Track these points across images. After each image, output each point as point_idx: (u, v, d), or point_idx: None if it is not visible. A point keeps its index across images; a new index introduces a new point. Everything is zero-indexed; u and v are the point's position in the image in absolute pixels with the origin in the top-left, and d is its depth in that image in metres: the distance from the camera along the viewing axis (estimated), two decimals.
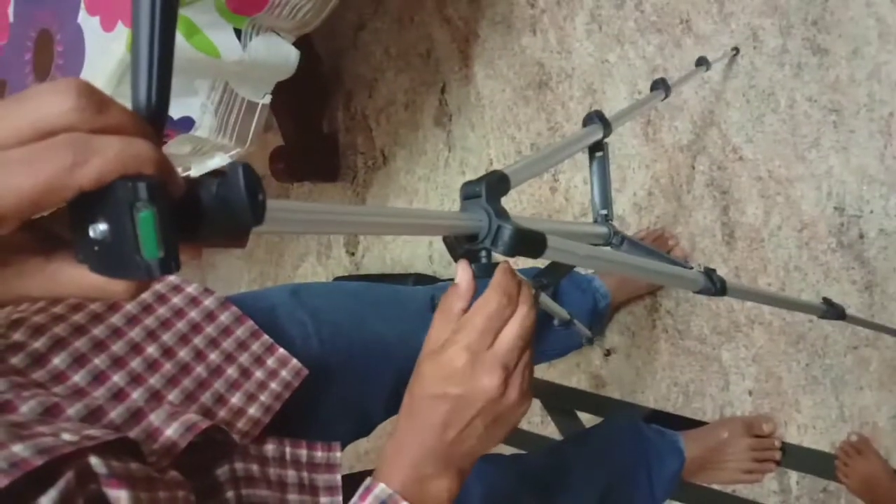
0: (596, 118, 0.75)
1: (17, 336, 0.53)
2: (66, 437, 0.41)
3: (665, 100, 0.95)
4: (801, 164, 1.19)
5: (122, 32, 0.90)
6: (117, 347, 0.56)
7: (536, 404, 1.49)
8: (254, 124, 1.04)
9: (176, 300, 0.63)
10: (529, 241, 0.52)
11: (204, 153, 1.06)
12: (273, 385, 0.63)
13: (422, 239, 1.72)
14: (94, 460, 0.40)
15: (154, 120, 0.30)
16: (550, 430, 1.48)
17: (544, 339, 1.11)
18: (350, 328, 0.76)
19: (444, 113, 1.67)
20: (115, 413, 0.51)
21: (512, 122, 1.55)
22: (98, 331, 0.56)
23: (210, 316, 0.63)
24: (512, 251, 0.50)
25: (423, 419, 0.49)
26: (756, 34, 1.23)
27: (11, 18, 1.06)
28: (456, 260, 0.55)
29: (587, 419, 1.44)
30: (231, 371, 0.61)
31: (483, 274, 0.53)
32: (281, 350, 0.65)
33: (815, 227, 1.18)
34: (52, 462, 0.38)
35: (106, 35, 0.93)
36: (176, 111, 1.00)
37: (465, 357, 0.47)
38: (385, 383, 0.77)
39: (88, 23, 0.96)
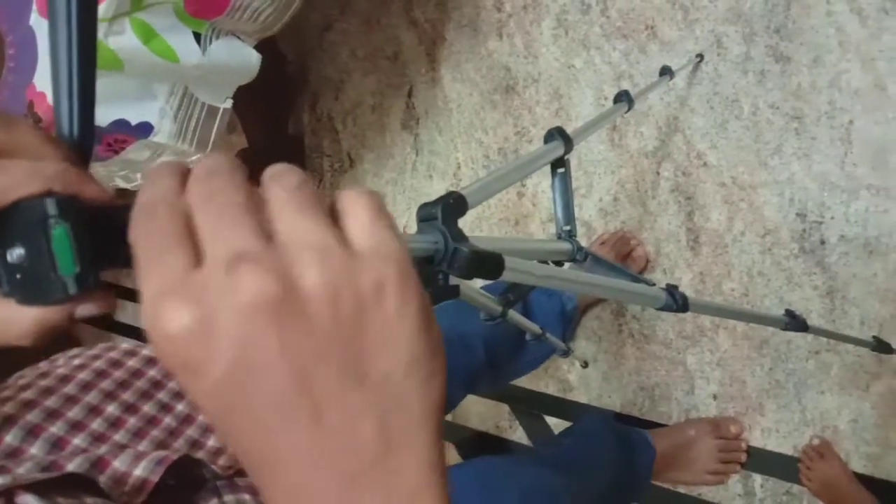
0: (557, 135, 0.74)
1: None
2: None
3: (628, 112, 0.95)
4: (763, 170, 1.21)
5: None
6: (74, 413, 0.54)
7: (504, 409, 1.49)
8: (215, 129, 1.02)
9: (132, 363, 0.61)
10: (486, 264, 0.51)
11: (162, 159, 1.04)
12: None
13: None
14: (26, 498, 0.38)
15: (79, 148, 0.29)
16: (519, 435, 1.48)
17: (518, 356, 1.10)
18: None
19: (411, 116, 1.66)
20: (74, 465, 0.47)
21: (479, 126, 1.54)
22: (51, 402, 0.54)
23: (150, 361, 0.61)
24: (468, 273, 0.50)
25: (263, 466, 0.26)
26: (720, 41, 1.24)
27: None
28: None
29: (554, 424, 1.44)
30: (202, 417, 0.58)
31: (439, 298, 0.53)
32: None
33: (778, 233, 1.20)
34: None
35: None
36: (134, 116, 0.97)
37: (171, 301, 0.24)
38: None
39: (41, 25, 0.93)
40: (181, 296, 0.23)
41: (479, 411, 1.54)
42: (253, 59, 0.99)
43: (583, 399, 1.40)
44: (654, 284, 0.75)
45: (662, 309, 0.74)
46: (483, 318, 0.85)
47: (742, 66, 1.22)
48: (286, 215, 0.25)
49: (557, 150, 0.73)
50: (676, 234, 1.29)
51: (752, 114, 1.22)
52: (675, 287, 0.75)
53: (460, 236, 0.50)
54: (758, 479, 1.22)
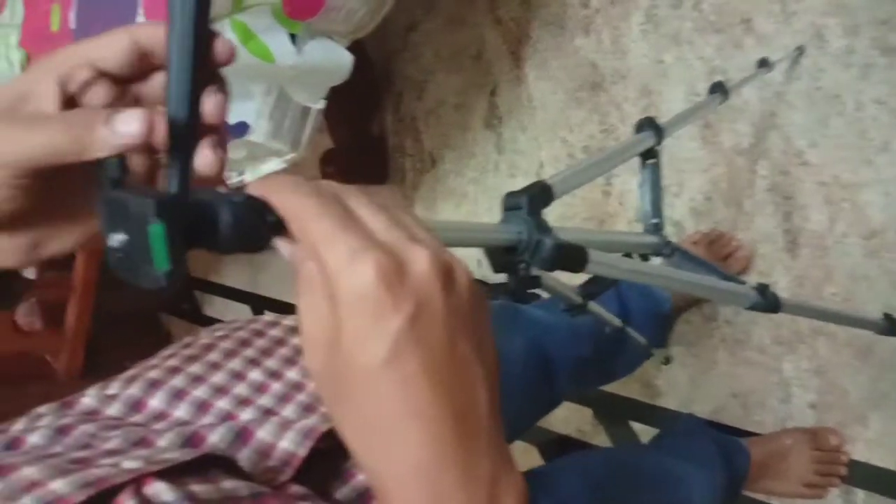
0: (648, 125, 0.72)
1: (112, 390, 0.53)
2: (128, 464, 0.40)
3: (723, 104, 0.91)
4: (868, 168, 1.14)
5: None
6: (218, 378, 0.55)
7: (587, 413, 1.47)
8: (307, 129, 1.04)
9: (274, 332, 0.62)
10: (570, 256, 0.50)
11: (257, 158, 1.07)
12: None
13: None
14: (157, 486, 0.39)
15: (187, 128, 0.32)
16: (601, 440, 1.45)
17: (612, 358, 1.08)
18: None
19: (494, 115, 1.65)
20: (217, 436, 0.48)
21: (564, 125, 1.52)
22: (195, 368, 0.55)
23: (258, 333, 0.61)
24: (551, 265, 0.49)
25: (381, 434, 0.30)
26: (821, 34, 1.19)
27: (73, 25, 1.08)
28: (496, 272, 0.53)
29: (639, 430, 1.41)
30: (276, 386, 0.56)
31: (521, 287, 0.52)
32: None
33: (884, 235, 1.13)
34: (102, 493, 0.36)
35: None
36: (231, 116, 1.00)
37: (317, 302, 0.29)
38: None
39: None
40: (380, 249, 0.28)
41: (561, 415, 1.51)
42: (346, 59, 1.00)
43: (671, 405, 1.36)
44: (744, 283, 0.72)
45: (752, 308, 0.71)
46: (562, 308, 0.83)
47: (845, 60, 1.16)
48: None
49: (648, 140, 0.71)
50: (773, 236, 1.24)
51: (855, 109, 1.16)
52: (766, 286, 0.72)
53: (544, 227, 0.49)
54: (860, 494, 1.16)
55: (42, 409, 0.53)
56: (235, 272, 2.31)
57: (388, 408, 0.29)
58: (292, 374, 0.57)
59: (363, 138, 1.81)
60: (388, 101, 1.86)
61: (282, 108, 1.00)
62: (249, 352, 0.59)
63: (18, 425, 0.51)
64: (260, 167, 1.07)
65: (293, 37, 0.95)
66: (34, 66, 0.35)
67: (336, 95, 1.15)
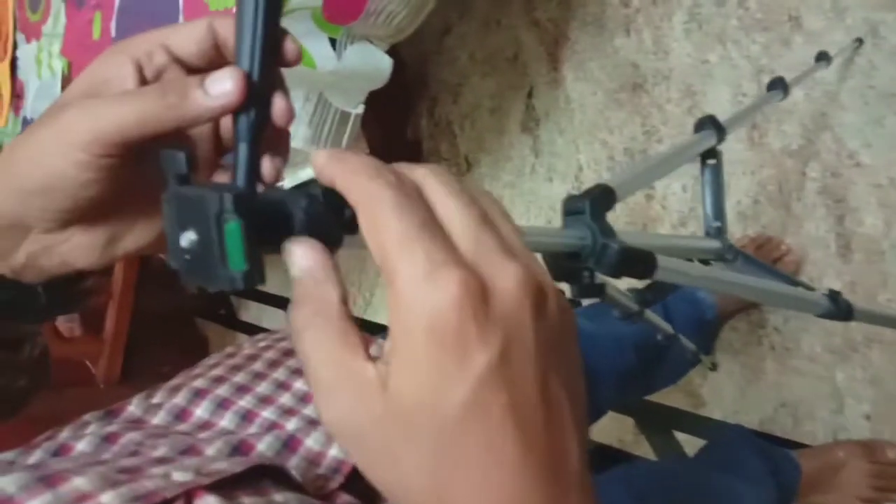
0: (709, 123, 0.70)
1: (156, 399, 0.52)
2: (178, 476, 0.38)
3: (783, 100, 0.88)
4: None
5: None
6: (262, 388, 0.54)
7: (629, 423, 1.43)
8: (347, 134, 1.03)
9: None
10: (637, 262, 0.48)
11: (296, 164, 1.05)
12: None
13: None
14: (208, 500, 0.37)
15: (260, 93, 0.31)
16: (644, 450, 1.42)
17: (655, 368, 1.05)
18: None
19: (531, 118, 1.63)
20: (264, 444, 0.47)
21: (604, 127, 1.49)
22: (239, 378, 0.55)
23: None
24: (618, 272, 0.46)
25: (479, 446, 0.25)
26: (875, 30, 1.14)
27: (114, 33, 1.08)
28: (557, 280, 0.51)
29: (683, 440, 1.37)
30: None
31: (585, 295, 0.50)
32: None
33: None
34: None
35: None
36: None
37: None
38: None
39: None
40: (462, 264, 0.24)
41: (601, 424, 1.47)
42: (386, 63, 0.98)
43: (716, 415, 1.32)
44: (814, 289, 0.69)
45: (823, 316, 0.67)
46: (617, 316, 0.81)
47: None
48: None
49: (709, 139, 0.69)
50: (825, 240, 1.20)
51: None
52: (838, 293, 0.69)
53: (609, 231, 0.47)
54: None
55: (87, 416, 0.53)
56: (271, 276, 2.30)
57: (464, 459, 0.24)
58: None
59: (398, 142, 1.80)
60: (422, 104, 1.85)
61: (321, 114, 0.99)
62: (292, 362, 0.58)
63: (65, 432, 0.50)
64: (298, 173, 1.06)
65: (333, 41, 0.94)
66: (110, 51, 0.35)
67: (370, 100, 1.13)
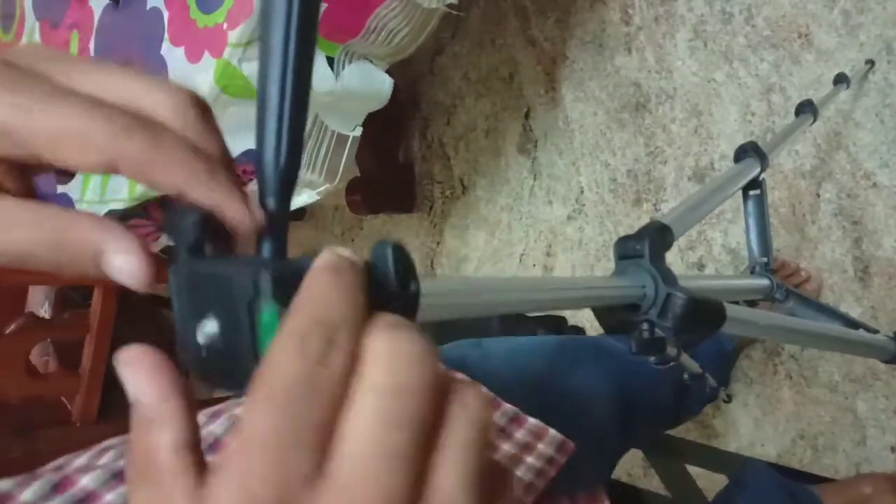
0: (751, 150, 0.64)
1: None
2: None
3: (814, 124, 0.83)
4: None
5: (210, 63, 0.84)
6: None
7: (638, 455, 1.37)
8: (344, 158, 0.96)
9: None
10: (705, 314, 0.41)
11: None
12: (529, 459, 0.51)
13: (507, 272, 1.62)
14: None
15: (286, 179, 0.24)
16: (655, 485, 1.35)
17: (681, 403, 0.99)
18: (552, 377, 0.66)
19: (528, 139, 1.58)
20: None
21: (605, 148, 1.44)
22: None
23: None
24: (685, 325, 0.40)
25: None
26: (890, 47, 1.10)
27: (93, 52, 1.01)
28: (609, 332, 0.45)
29: (697, 474, 1.30)
30: None
31: (646, 353, 0.43)
32: (531, 420, 0.54)
33: None
34: None
35: (192, 66, 0.87)
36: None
37: None
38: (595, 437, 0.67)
39: (173, 53, 0.90)
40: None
41: None
42: (386, 84, 0.93)
43: (731, 447, 1.26)
44: (876, 331, 0.63)
45: (890, 362, 0.62)
46: (654, 362, 0.75)
47: None
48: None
49: (753, 168, 0.63)
50: (842, 264, 1.15)
51: None
52: None
53: (671, 278, 0.41)
54: None
55: (110, 441, 0.48)
56: None
57: None
58: None
59: (389, 165, 1.74)
60: (414, 126, 1.79)
61: (317, 137, 0.92)
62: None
63: (81, 459, 0.46)
64: (293, 199, 0.99)
65: (330, 60, 0.88)
66: None
67: (362, 122, 1.07)
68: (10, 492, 0.41)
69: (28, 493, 0.41)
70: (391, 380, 0.18)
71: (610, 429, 0.79)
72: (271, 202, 0.24)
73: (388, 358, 0.19)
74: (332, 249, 0.21)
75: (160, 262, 0.23)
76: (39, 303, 1.94)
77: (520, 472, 0.50)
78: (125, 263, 0.22)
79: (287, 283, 0.20)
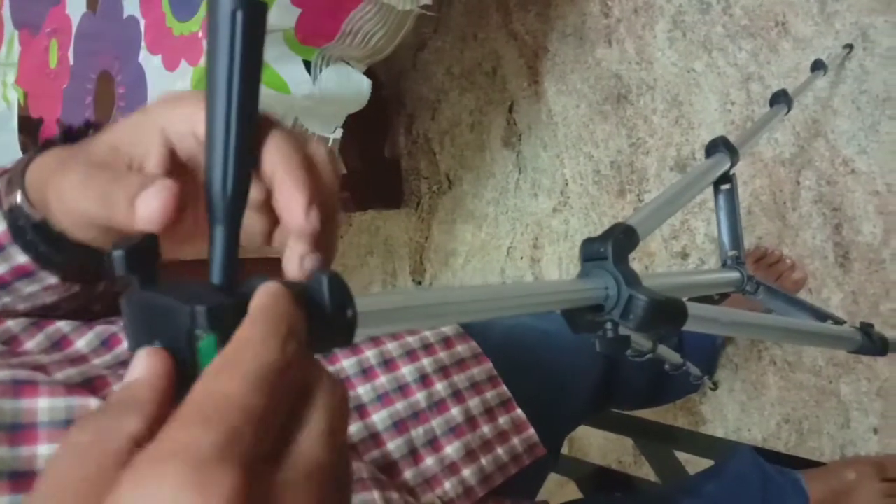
0: (721, 145, 0.65)
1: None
2: None
3: (788, 114, 0.84)
4: None
5: (187, 71, 0.84)
6: None
7: (628, 443, 1.38)
8: None
9: None
10: (667, 313, 0.42)
11: None
12: (499, 450, 0.52)
13: (495, 265, 1.63)
14: None
15: (231, 206, 0.25)
16: (645, 471, 1.37)
17: (664, 389, 1.00)
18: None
19: (512, 133, 1.59)
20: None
21: (588, 140, 1.45)
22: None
23: (446, 342, 0.55)
24: (646, 325, 0.41)
25: None
26: (866, 34, 1.11)
27: (72, 61, 1.01)
28: (575, 332, 0.46)
29: (685, 459, 1.32)
30: (455, 412, 0.51)
31: (610, 351, 0.44)
32: (518, 411, 0.55)
33: None
34: None
35: (169, 74, 0.88)
36: None
37: None
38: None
39: (150, 62, 0.90)
40: (256, 473, 0.19)
41: (599, 444, 1.44)
42: (364, 85, 0.93)
43: (718, 433, 1.28)
44: (843, 322, 0.64)
45: (856, 352, 0.63)
46: (630, 355, 0.76)
47: (894, 61, 1.09)
48: None
49: (723, 163, 0.64)
50: (822, 250, 1.16)
51: None
52: (871, 325, 0.64)
53: (634, 279, 0.42)
54: None
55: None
56: None
57: None
58: (406, 370, 0.52)
59: (375, 162, 1.74)
60: (399, 122, 1.80)
61: None
62: None
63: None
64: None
65: (307, 64, 0.88)
66: (145, 119, 0.30)
67: (344, 120, 1.08)
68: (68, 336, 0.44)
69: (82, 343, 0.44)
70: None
71: (590, 395, 0.80)
72: (219, 230, 0.25)
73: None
74: (268, 287, 0.22)
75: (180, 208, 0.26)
76: None
77: (485, 461, 0.51)
78: (144, 208, 0.26)
79: (223, 316, 0.22)
